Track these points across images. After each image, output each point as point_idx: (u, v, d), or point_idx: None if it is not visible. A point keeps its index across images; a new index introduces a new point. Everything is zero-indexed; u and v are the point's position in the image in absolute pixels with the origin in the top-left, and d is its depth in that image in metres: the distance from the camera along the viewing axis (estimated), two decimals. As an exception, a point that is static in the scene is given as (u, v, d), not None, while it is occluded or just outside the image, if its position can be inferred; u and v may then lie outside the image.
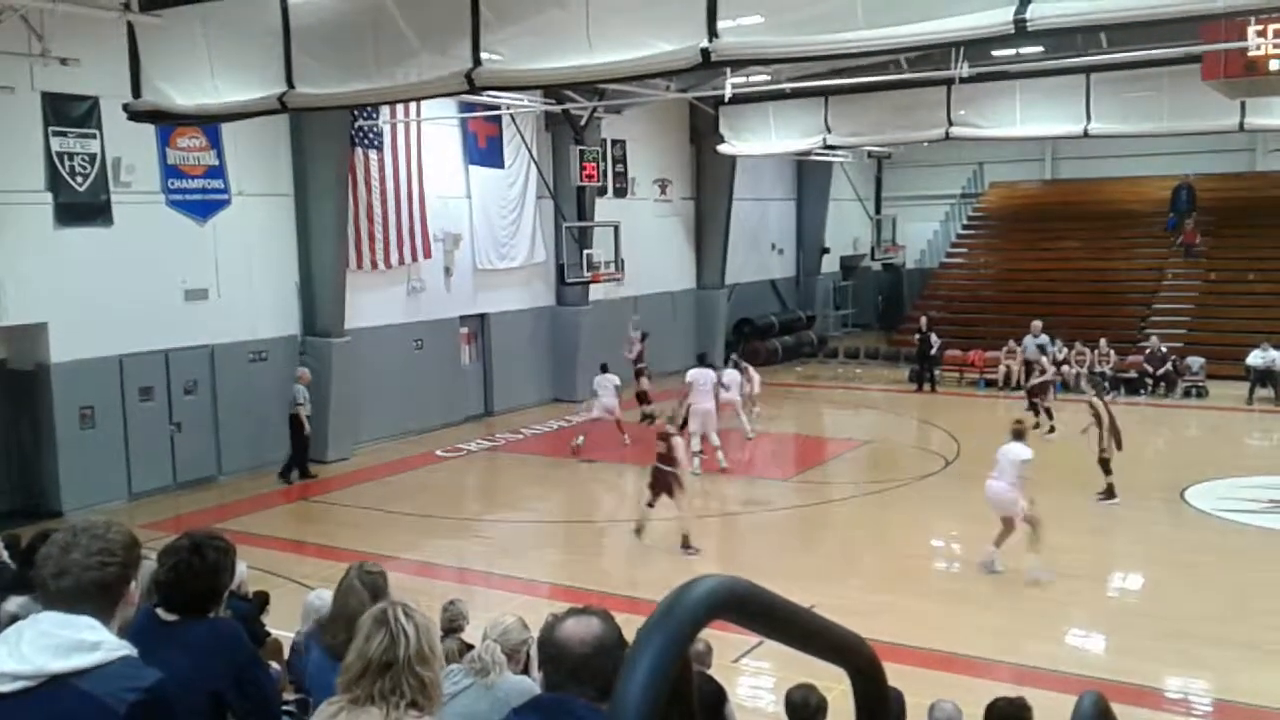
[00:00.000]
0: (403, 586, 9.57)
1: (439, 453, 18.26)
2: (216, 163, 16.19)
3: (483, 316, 21.36)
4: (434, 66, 9.86)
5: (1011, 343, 23.27)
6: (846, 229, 32.91)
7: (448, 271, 20.25)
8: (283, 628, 7.48)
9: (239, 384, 16.51)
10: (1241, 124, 18.58)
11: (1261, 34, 12.66)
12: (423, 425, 19.41)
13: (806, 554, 12.99)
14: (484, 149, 20.74)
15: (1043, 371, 19.56)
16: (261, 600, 8.17)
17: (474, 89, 9.99)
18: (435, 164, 19.63)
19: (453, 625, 6.62)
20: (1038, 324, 22.09)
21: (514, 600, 11.04)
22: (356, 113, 17.29)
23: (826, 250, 32.20)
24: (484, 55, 9.41)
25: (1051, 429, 17.91)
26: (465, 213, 20.59)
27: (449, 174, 20.21)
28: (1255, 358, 21.11)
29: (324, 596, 6.46)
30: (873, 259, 32.99)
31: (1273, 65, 13.31)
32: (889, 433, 19.99)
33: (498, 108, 19.37)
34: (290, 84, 10.40)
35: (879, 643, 8.15)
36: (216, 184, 16.21)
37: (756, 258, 29.88)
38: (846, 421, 21.50)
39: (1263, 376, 20.84)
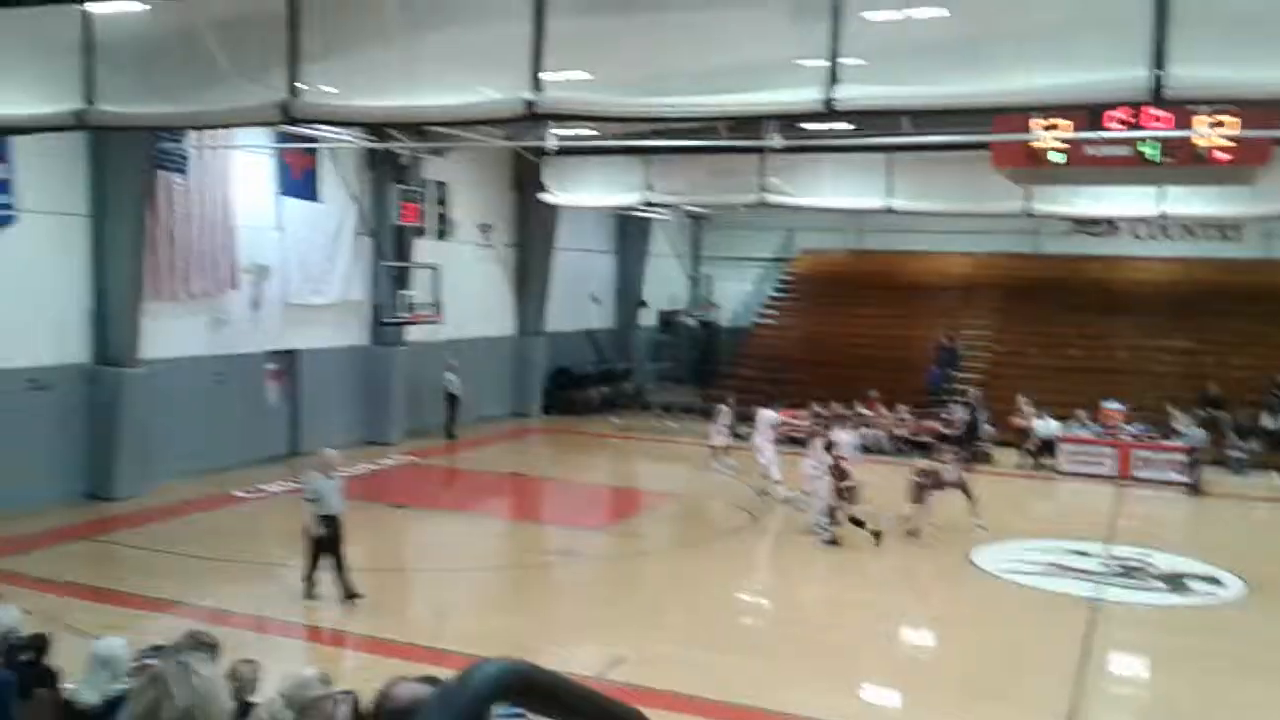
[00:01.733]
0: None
1: (238, 493, 17.42)
2: (4, 176, 15.13)
3: (292, 353, 20.63)
4: (247, 95, 9.57)
5: (815, 404, 24.12)
6: (665, 284, 33.59)
7: (255, 305, 19.49)
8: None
9: (14, 413, 15.32)
10: (1026, 209, 20.11)
11: (1046, 128, 13.82)
12: (223, 464, 18.49)
13: (614, 605, 13.01)
14: (298, 180, 20.17)
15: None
16: (40, 643, 7.48)
17: (289, 120, 9.75)
18: (246, 193, 18.94)
19: (237, 688, 6.21)
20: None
21: (316, 651, 10.63)
22: (161, 134, 16.52)
23: (644, 304, 32.74)
24: (301, 87, 9.21)
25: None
26: (276, 245, 19.92)
27: (260, 204, 19.54)
28: (1038, 426, 22.63)
29: (112, 645, 6.04)
30: (689, 315, 33.74)
31: (1054, 158, 14.54)
32: (701, 487, 20.34)
33: (315, 140, 18.91)
34: (89, 101, 9.87)
35: (686, 696, 8.22)
36: (2, 199, 15.13)
37: (576, 307, 30.09)
38: (659, 474, 21.77)
39: (1043, 445, 22.34)
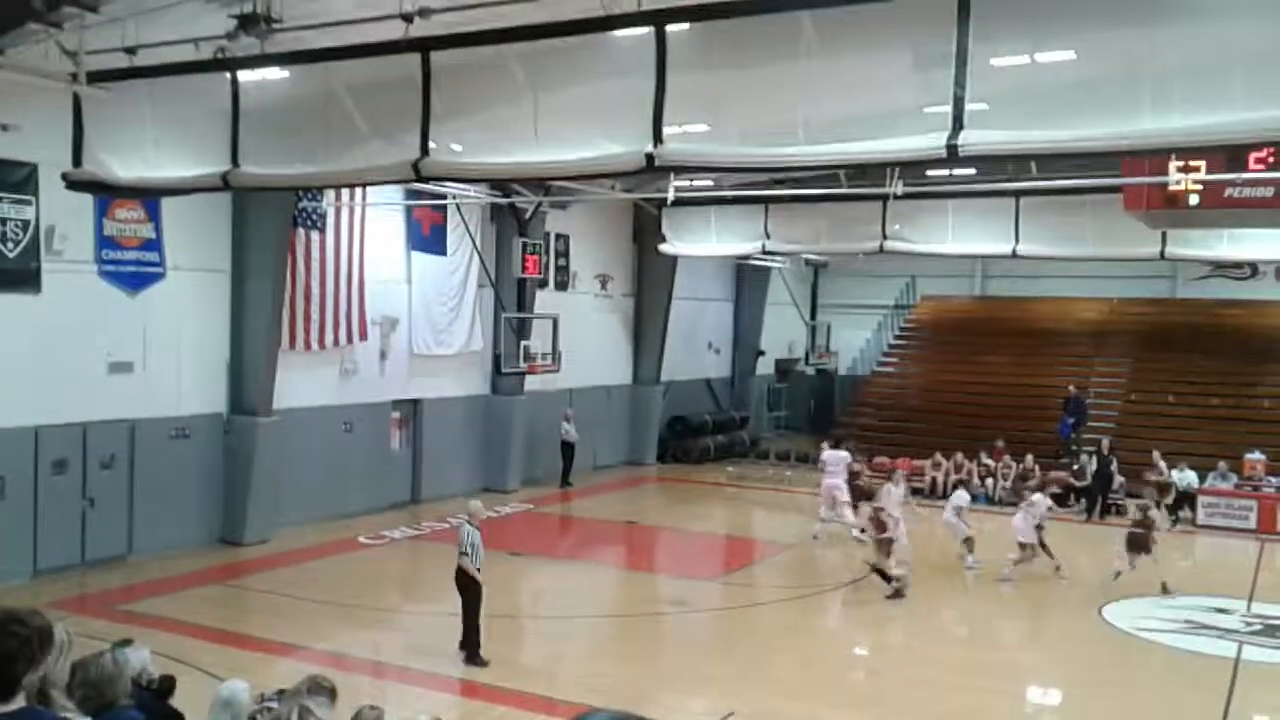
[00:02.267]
0: (314, 679, 9.30)
1: (362, 539, 17.87)
2: (153, 235, 16.01)
3: (416, 402, 21.16)
4: (382, 154, 9.96)
5: (938, 455, 23.62)
6: (782, 333, 33.41)
7: (383, 355, 20.11)
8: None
9: (159, 460, 16.08)
10: (1163, 253, 19.40)
11: (1182, 170, 13.34)
12: (347, 510, 19.02)
13: (726, 657, 12.84)
14: (427, 236, 20.83)
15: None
16: (167, 685, 7.79)
17: (420, 178, 10.10)
18: (377, 248, 19.63)
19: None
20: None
21: (430, 698, 10.76)
22: (300, 193, 17.29)
23: (762, 353, 32.62)
24: (432, 146, 9.53)
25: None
26: (404, 298, 20.55)
27: (390, 258, 20.22)
28: (1176, 478, 21.62)
29: (235, 688, 6.22)
30: (806, 363, 33.44)
31: (1191, 200, 14.00)
32: (812, 539, 19.98)
33: (443, 197, 19.52)
34: (235, 163, 10.41)
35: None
36: (152, 256, 16.01)
37: (693, 356, 30.14)
38: (775, 524, 21.50)
39: (1181, 498, 21.31)
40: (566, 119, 9.06)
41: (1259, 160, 12.37)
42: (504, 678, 11.27)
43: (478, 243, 21.73)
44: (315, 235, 18.24)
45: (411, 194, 19.38)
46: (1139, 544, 15.74)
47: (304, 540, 17.39)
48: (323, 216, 18.31)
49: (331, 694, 5.54)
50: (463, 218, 21.27)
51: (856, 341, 34.31)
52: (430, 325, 21.07)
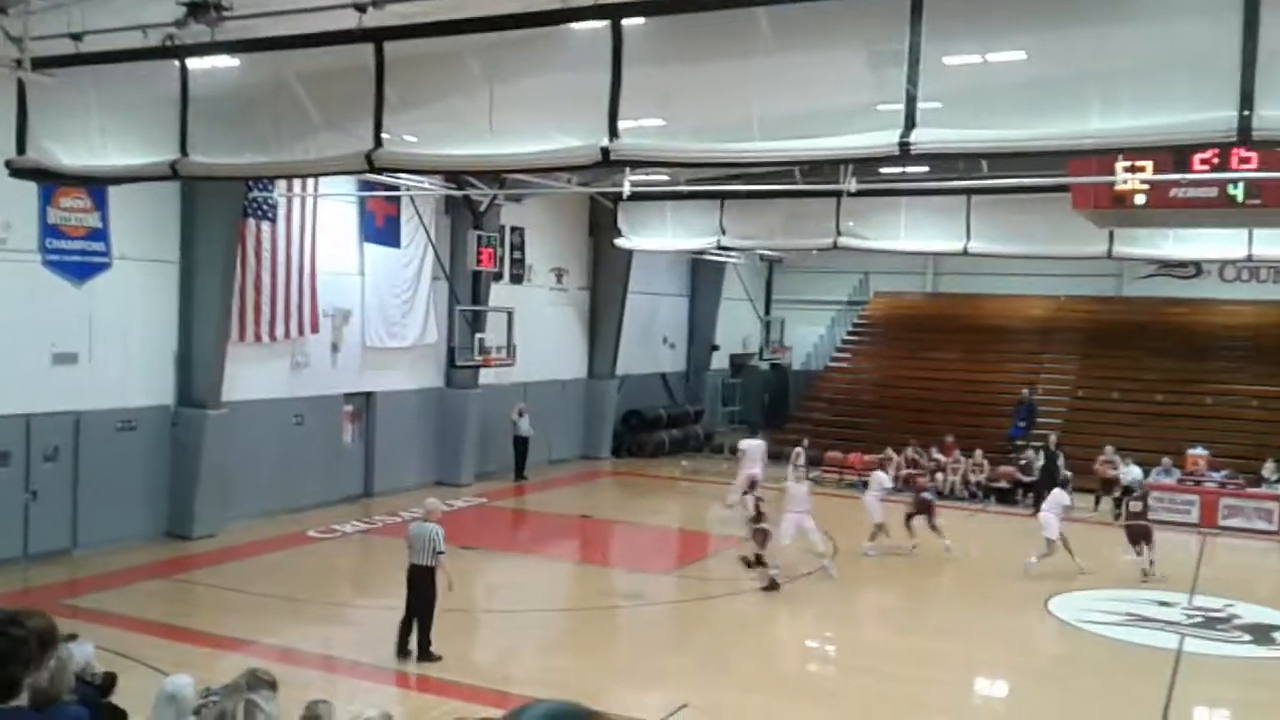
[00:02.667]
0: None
1: (312, 533, 17.70)
2: (100, 225, 15.73)
3: (368, 395, 20.99)
4: (334, 145, 9.86)
5: (890, 449, 23.85)
6: (736, 328, 33.55)
7: (335, 348, 19.92)
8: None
9: (104, 453, 15.81)
10: (1110, 252, 19.74)
11: (1128, 170, 13.56)
12: (298, 504, 18.83)
13: (680, 650, 12.91)
14: (381, 227, 20.66)
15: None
16: (110, 681, 7.68)
17: (374, 169, 10.01)
18: (329, 239, 19.44)
19: (311, 729, 6.28)
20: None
21: (380, 692, 10.70)
22: (251, 184, 17.06)
23: (716, 347, 32.75)
24: (385, 137, 9.45)
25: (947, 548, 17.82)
26: (357, 290, 20.37)
27: (343, 250, 20.03)
28: (1121, 473, 21.99)
29: (179, 683, 6.14)
30: (761, 358, 33.63)
31: (1138, 200, 14.25)
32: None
33: (397, 188, 19.36)
34: (184, 151, 10.25)
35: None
36: (98, 246, 15.73)
37: (648, 350, 30.19)
38: (728, 517, 21.58)
39: (1125, 492, 21.65)
40: (522, 112, 9.02)
41: (1203, 161, 12.62)
42: (457, 672, 11.24)
43: (432, 235, 21.59)
44: (266, 226, 18.01)
45: (365, 185, 19.21)
46: (1141, 534, 16.51)
47: (253, 534, 17.20)
48: (274, 207, 18.09)
49: (272, 686, 5.47)
50: (417, 209, 21.12)
51: (810, 337, 34.54)
52: (383, 318, 20.91)
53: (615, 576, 16.81)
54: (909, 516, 17.77)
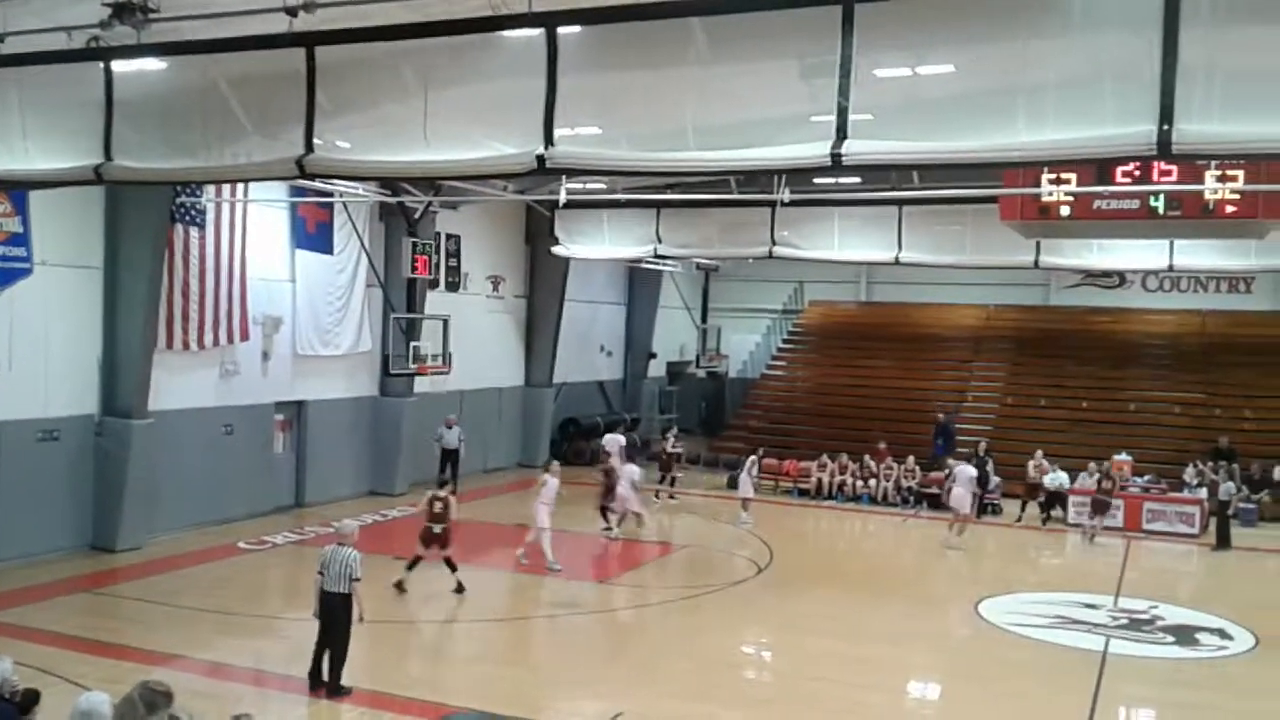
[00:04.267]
0: (192, 690, 9.03)
1: (242, 544, 17.37)
2: (20, 229, 15.28)
3: (300, 403, 20.67)
4: (264, 150, 9.71)
5: (824, 456, 24.13)
6: (673, 336, 33.69)
7: (265, 356, 19.58)
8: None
9: (24, 464, 15.36)
10: (1036, 262, 20.18)
11: (1054, 182, 13.90)
12: (227, 515, 18.48)
13: (615, 659, 12.89)
14: (313, 234, 20.38)
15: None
16: (30, 698, 7.45)
17: (305, 175, 9.88)
18: (260, 246, 19.12)
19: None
20: None
21: (312, 705, 10.53)
22: (179, 188, 16.73)
23: (653, 355, 32.84)
24: (317, 143, 9.34)
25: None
26: (288, 297, 20.06)
27: (274, 256, 19.72)
28: (1046, 479, 22.47)
29: (94, 700, 5.97)
30: (697, 366, 33.79)
31: (1063, 211, 14.61)
32: (706, 538, 20.22)
33: (329, 194, 19.12)
34: (108, 156, 10.02)
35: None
36: (18, 251, 15.27)
37: (585, 358, 30.18)
38: (665, 525, 21.64)
39: (1052, 497, 22.15)
40: (456, 118, 8.97)
41: (1126, 174, 12.98)
42: (389, 684, 11.09)
43: (366, 242, 21.35)
44: (194, 231, 17.66)
45: (296, 191, 18.92)
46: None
47: (181, 546, 16.83)
48: (202, 212, 17.74)
49: (167, 698, 5.29)
50: (350, 216, 20.87)
51: (746, 345, 34.81)
52: (316, 325, 20.61)
53: (551, 585, 16.71)
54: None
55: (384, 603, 14.33)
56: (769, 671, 13.18)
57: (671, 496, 23.28)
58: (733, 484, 24.49)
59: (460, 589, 14.77)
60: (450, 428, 22.59)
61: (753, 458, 21.65)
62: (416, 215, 21.71)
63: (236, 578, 15.73)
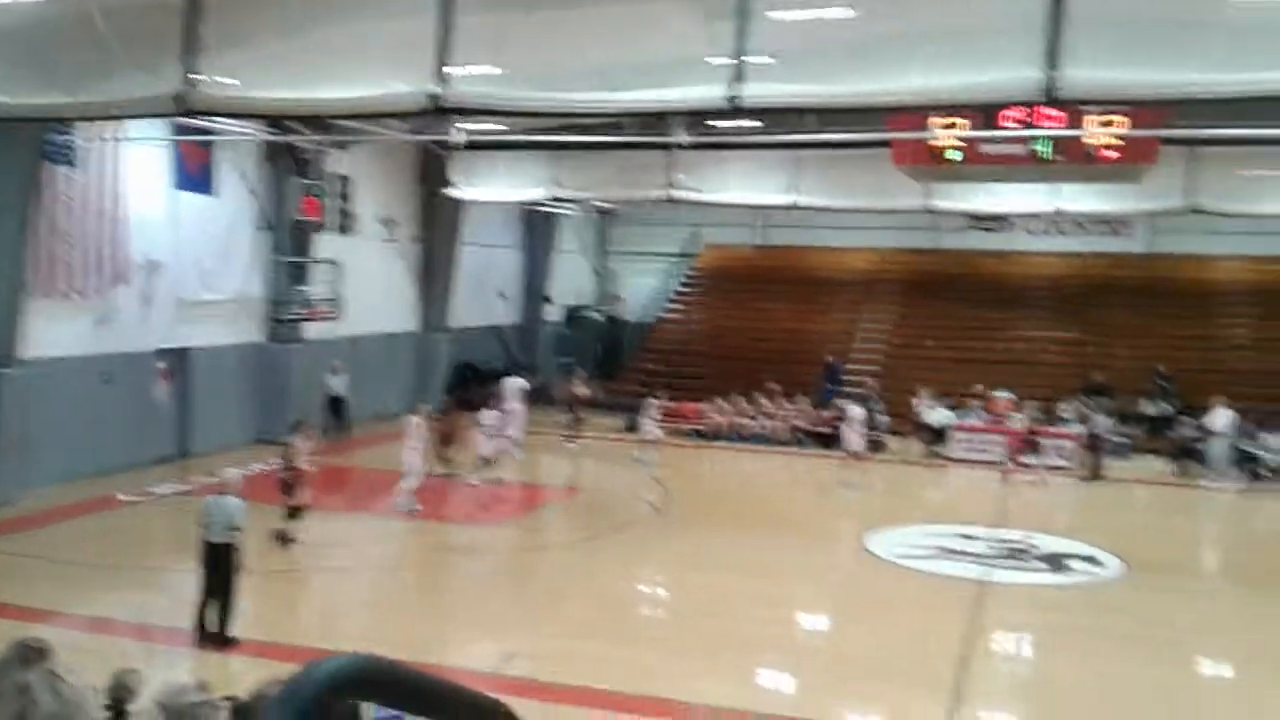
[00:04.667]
0: (75, 646, 8.75)
1: (122, 496, 16.82)
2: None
3: (183, 350, 20.00)
4: (143, 85, 9.28)
5: (720, 398, 24.44)
6: (571, 280, 33.52)
7: (146, 301, 18.84)
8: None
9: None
10: (926, 205, 20.62)
11: (944, 127, 14.16)
12: (108, 466, 17.84)
13: (515, 601, 12.95)
14: (195, 174, 19.56)
15: None
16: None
17: (185, 112, 9.47)
18: (139, 187, 18.29)
19: (118, 697, 5.93)
20: None
21: (200, 658, 10.32)
22: (50, 125, 15.83)
23: (550, 300, 32.66)
24: (199, 78, 8.94)
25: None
26: (170, 240, 19.25)
27: (154, 198, 18.87)
28: (931, 416, 23.23)
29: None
30: (595, 310, 33.76)
31: (952, 156, 14.92)
32: (604, 480, 20.38)
33: (212, 133, 18.35)
34: (-29, 89, 9.43)
35: (573, 689, 8.22)
36: None
37: (482, 303, 29.83)
38: (563, 468, 21.73)
39: (937, 434, 22.93)
40: (346, 55, 8.69)
41: (1012, 119, 13.29)
42: (281, 634, 10.95)
43: (252, 183, 20.61)
44: (67, 171, 16.78)
45: (177, 129, 18.09)
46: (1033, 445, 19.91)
47: (58, 499, 16.19)
48: (74, 151, 16.84)
49: (43, 654, 5.12)
50: (235, 156, 20.10)
51: (644, 288, 34.85)
52: (199, 269, 19.87)
53: (448, 530, 16.67)
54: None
55: (275, 552, 14.12)
56: (664, 608, 13.42)
57: (576, 439, 23.33)
58: (631, 427, 24.73)
59: (288, 538, 14.05)
60: (336, 374, 22.17)
61: (653, 401, 21.80)
62: (306, 156, 21.04)
63: (118, 530, 15.27)
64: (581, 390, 24.15)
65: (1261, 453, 20.94)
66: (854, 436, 19.42)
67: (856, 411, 19.59)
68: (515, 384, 21.91)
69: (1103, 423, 21.23)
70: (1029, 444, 21.02)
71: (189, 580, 12.46)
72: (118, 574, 13.10)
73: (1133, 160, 14.41)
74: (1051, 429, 22.51)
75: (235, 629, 10.52)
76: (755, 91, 7.50)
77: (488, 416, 19.21)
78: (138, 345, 18.79)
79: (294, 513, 14.28)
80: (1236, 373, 24.97)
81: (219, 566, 10.49)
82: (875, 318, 29.61)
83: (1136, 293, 27.88)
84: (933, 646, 11.16)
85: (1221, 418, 19.99)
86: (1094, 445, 20.94)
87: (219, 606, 10.55)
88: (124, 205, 17.87)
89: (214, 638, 10.50)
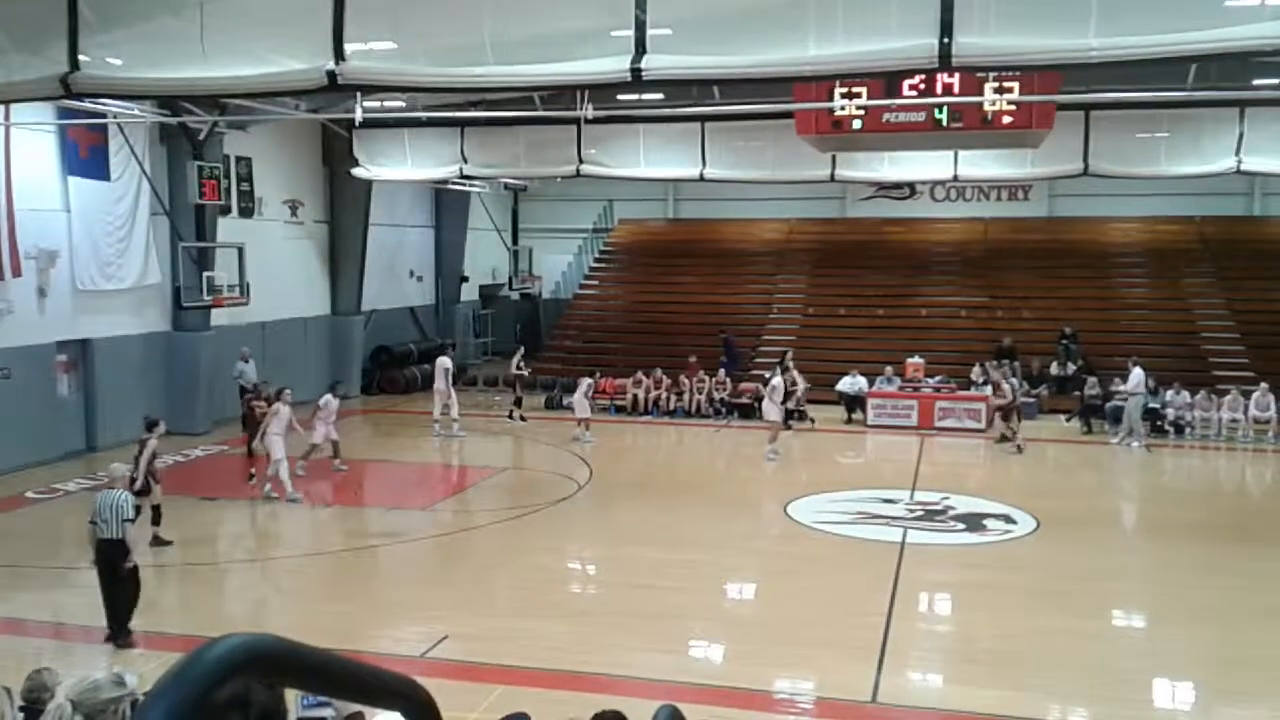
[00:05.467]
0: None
1: (30, 494, 16.32)
2: None
3: (85, 342, 19.39)
4: (25, 68, 8.93)
5: (640, 373, 24.53)
6: (485, 258, 33.27)
7: (41, 292, 18.21)
8: None
9: None
10: (832, 175, 20.89)
11: (845, 96, 14.33)
12: (11, 464, 17.27)
13: (441, 584, 12.90)
14: (86, 159, 18.90)
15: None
16: None
17: (72, 95, 9.14)
18: (27, 173, 17.63)
19: (34, 697, 5.83)
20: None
21: (118, 656, 10.09)
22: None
23: (465, 279, 32.37)
24: (84, 59, 8.63)
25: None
26: (63, 228, 18.65)
27: (44, 184, 18.24)
28: (845, 384, 23.63)
29: None
30: (511, 288, 33.56)
31: (855, 125, 15.11)
32: (526, 459, 20.34)
33: (102, 115, 17.74)
34: None
35: (508, 668, 8.24)
36: None
37: (394, 284, 29.44)
38: (485, 449, 21.62)
39: (852, 401, 23.33)
40: (238, 32, 8.46)
41: (912, 87, 13.51)
42: (204, 627, 10.72)
43: (146, 166, 19.99)
44: (-52, 159, 16.12)
45: (65, 113, 17.46)
46: (1006, 411, 20.16)
47: (-40, 501, 15.67)
48: (-43, 138, 16.19)
49: None
50: (126, 138, 19.46)
51: (559, 265, 34.77)
52: (96, 257, 19.25)
53: (371, 516, 16.49)
54: None
55: (192, 545, 13.85)
56: (591, 584, 13.48)
57: (522, 418, 23.07)
58: (550, 404, 24.69)
59: (162, 540, 13.60)
60: (247, 361, 21.69)
61: (588, 380, 21.68)
62: (201, 137, 20.48)
63: (27, 529, 14.83)
64: (519, 370, 23.76)
65: (1164, 409, 21.72)
66: (773, 407, 19.66)
67: (776, 382, 19.83)
68: (443, 363, 21.65)
69: (1010, 387, 21.76)
70: (1005, 413, 21.02)
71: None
72: (29, 573, 12.74)
73: (1030, 125, 14.77)
74: (964, 393, 23.06)
75: (157, 622, 10.30)
76: (657, 63, 7.51)
77: (319, 403, 18.30)
78: (36, 338, 18.19)
79: (155, 514, 13.62)
80: (1134, 331, 25.89)
81: (112, 563, 10.28)
82: (789, 288, 29.97)
83: (1039, 256, 28.67)
84: (857, 608, 11.41)
85: (1133, 377, 20.68)
86: (1006, 410, 21.46)
87: (116, 603, 10.35)
88: (13, 193, 17.22)
89: (113, 633, 10.31)
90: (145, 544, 12.53)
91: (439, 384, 21.45)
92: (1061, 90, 15.58)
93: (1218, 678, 9.73)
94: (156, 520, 13.64)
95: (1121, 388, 21.21)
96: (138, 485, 12.73)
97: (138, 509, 12.10)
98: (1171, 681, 9.78)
